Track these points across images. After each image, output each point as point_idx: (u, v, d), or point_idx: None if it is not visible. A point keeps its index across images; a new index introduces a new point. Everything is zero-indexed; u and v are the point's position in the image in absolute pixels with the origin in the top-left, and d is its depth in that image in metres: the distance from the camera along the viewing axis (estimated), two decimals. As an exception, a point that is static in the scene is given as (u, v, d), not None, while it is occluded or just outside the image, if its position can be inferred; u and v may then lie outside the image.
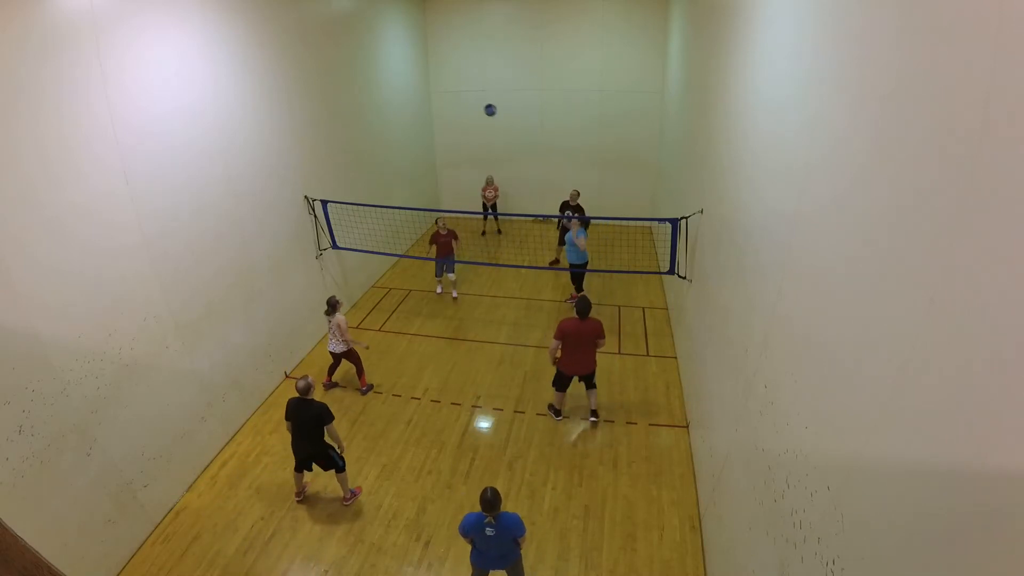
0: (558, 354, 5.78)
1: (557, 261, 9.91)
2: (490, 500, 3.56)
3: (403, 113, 10.81)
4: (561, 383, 5.99)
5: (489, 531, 3.64)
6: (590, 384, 6.01)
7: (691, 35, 7.51)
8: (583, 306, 5.60)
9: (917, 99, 1.78)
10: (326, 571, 4.54)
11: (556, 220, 10.39)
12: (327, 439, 4.90)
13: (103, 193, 4.36)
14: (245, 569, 4.57)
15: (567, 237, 8.17)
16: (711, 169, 5.45)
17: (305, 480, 5.22)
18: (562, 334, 5.61)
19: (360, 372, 6.69)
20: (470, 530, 3.71)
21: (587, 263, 8.30)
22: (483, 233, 12.00)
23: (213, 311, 5.69)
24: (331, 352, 6.49)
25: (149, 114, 4.77)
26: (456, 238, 8.69)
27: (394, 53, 10.20)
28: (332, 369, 6.74)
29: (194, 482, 5.42)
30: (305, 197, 7.40)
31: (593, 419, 6.08)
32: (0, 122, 3.55)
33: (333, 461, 4.98)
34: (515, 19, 11.15)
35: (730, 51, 4.76)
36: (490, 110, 9.03)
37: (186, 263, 5.28)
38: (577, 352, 5.70)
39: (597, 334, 5.65)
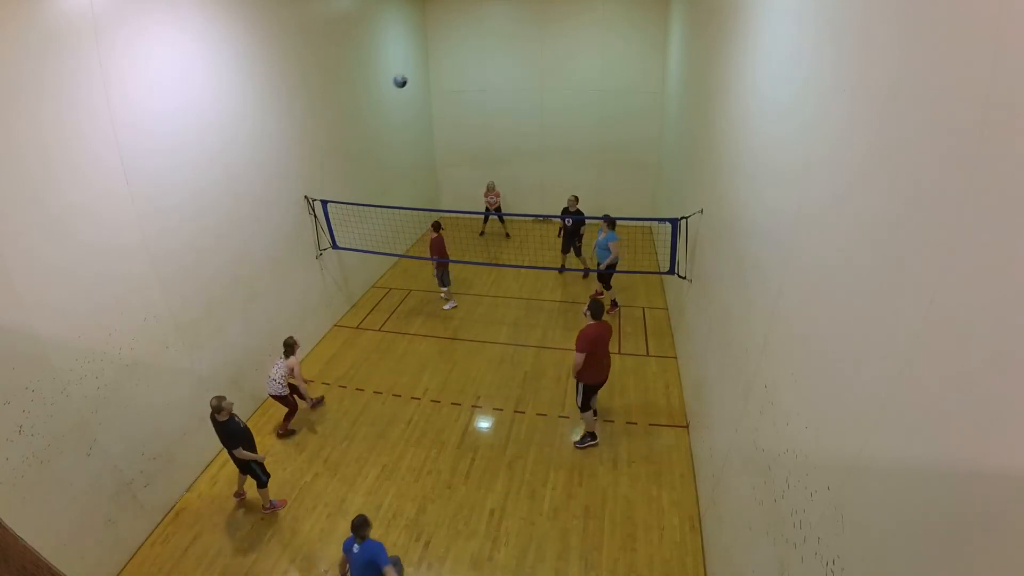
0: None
1: (584, 268, 9.58)
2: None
3: (403, 113, 10.81)
4: (589, 401, 5.56)
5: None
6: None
7: (691, 35, 7.50)
8: (599, 308, 5.28)
9: (917, 99, 1.78)
10: (326, 571, 4.54)
11: (559, 224, 9.82)
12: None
13: (103, 193, 4.36)
14: (245, 569, 4.57)
15: (597, 240, 7.89)
16: (711, 169, 5.45)
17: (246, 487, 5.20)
18: (591, 343, 5.18)
19: (289, 417, 6.08)
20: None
21: (615, 263, 8.01)
22: (481, 234, 11.92)
23: (213, 311, 5.70)
24: (272, 396, 5.91)
25: (149, 114, 4.77)
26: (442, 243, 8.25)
27: (394, 53, 10.20)
28: (287, 416, 6.13)
29: (194, 482, 5.42)
30: (305, 197, 7.40)
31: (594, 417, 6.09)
32: (0, 122, 3.56)
33: (255, 475, 4.94)
34: (515, 19, 11.15)
35: (730, 51, 4.76)
36: (398, 80, 7.48)
37: (186, 263, 5.28)
38: (603, 357, 5.41)
39: (610, 334, 5.47)
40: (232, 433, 4.71)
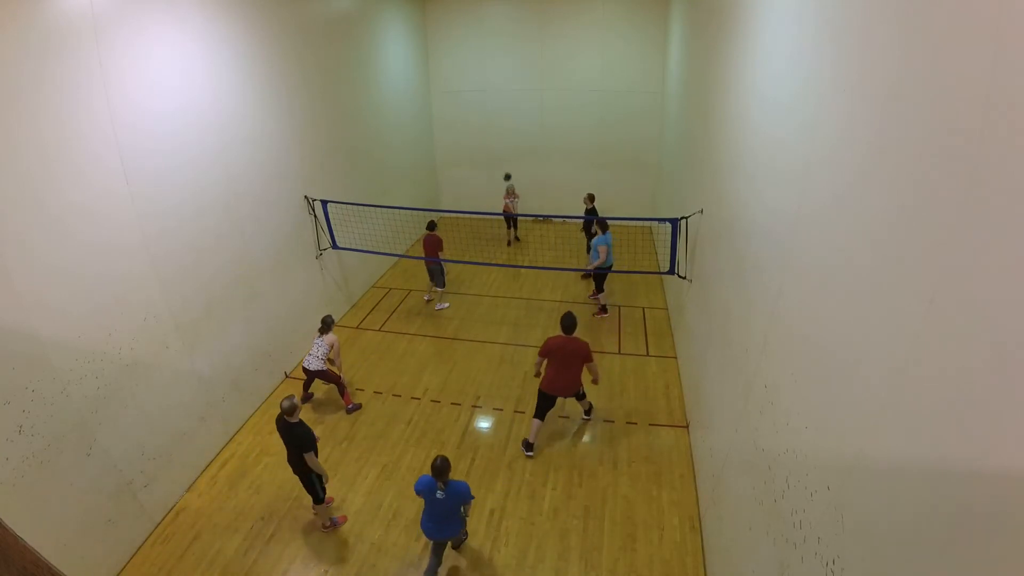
0: (541, 370, 5.49)
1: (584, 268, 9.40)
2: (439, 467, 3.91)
3: (403, 113, 10.81)
4: (541, 409, 5.52)
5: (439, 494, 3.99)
6: (579, 398, 5.85)
7: (691, 35, 7.50)
8: (568, 322, 5.29)
9: (917, 99, 1.78)
10: (326, 571, 4.54)
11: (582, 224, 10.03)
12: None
13: (103, 193, 4.36)
14: (245, 569, 4.57)
15: (592, 241, 8.04)
16: (711, 169, 5.45)
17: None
18: (547, 351, 5.30)
19: (343, 391, 6.37)
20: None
21: (609, 265, 8.06)
22: (509, 243, 11.41)
23: (213, 311, 5.69)
24: (307, 369, 6.12)
25: (149, 114, 4.77)
26: (441, 248, 8.31)
27: (394, 53, 10.20)
28: (307, 385, 6.55)
29: (194, 482, 5.42)
30: (305, 197, 7.40)
31: (586, 417, 6.13)
32: (0, 122, 3.56)
33: (313, 490, 4.68)
34: (515, 19, 11.15)
35: (730, 51, 4.76)
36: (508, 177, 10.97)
37: (186, 263, 5.28)
38: (562, 371, 5.35)
39: (583, 356, 5.28)
40: (302, 438, 4.47)
